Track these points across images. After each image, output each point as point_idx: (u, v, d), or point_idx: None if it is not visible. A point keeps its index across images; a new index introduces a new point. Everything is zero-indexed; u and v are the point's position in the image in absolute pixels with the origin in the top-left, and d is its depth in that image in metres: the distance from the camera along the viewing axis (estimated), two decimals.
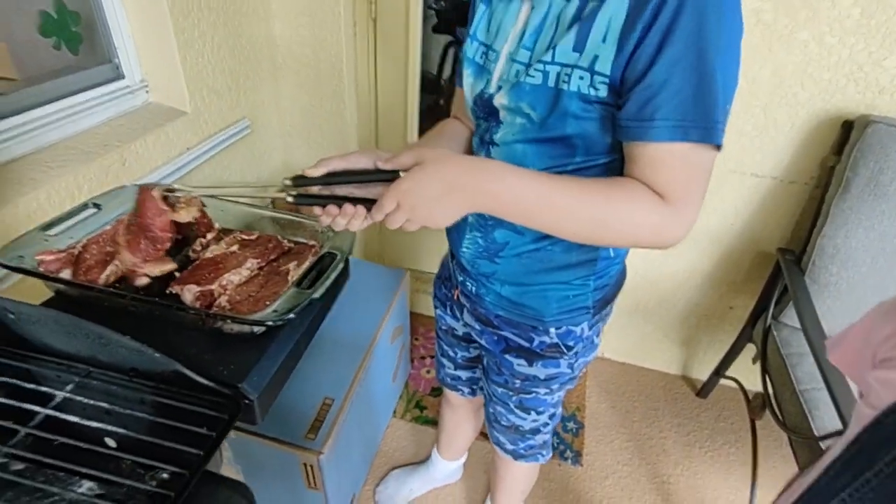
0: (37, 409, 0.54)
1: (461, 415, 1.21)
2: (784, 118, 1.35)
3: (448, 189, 0.57)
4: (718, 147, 0.56)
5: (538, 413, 0.94)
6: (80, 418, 0.54)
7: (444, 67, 2.99)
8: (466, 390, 1.10)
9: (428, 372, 1.77)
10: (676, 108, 0.54)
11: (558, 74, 0.59)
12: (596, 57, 0.56)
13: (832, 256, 1.26)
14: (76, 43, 1.07)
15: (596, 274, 0.77)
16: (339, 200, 0.61)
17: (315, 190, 0.61)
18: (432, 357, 1.83)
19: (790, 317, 1.34)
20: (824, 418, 1.09)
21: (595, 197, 0.59)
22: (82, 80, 1.07)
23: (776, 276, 1.41)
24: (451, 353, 1.06)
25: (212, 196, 0.70)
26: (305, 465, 1.06)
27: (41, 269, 0.66)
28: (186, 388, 0.58)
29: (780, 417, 1.23)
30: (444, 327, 1.03)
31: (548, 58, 0.60)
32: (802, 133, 1.36)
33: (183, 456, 0.52)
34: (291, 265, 0.74)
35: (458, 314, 0.95)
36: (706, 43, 0.52)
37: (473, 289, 0.83)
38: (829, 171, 1.33)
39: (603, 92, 0.57)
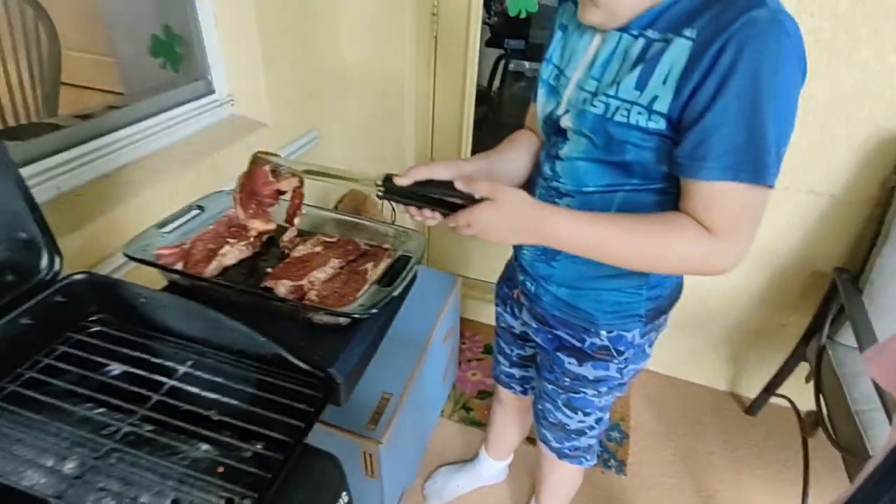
0: (164, 380, 0.64)
1: (511, 414, 1.26)
2: (842, 136, 1.35)
3: (514, 229, 0.67)
4: (770, 187, 0.61)
5: (585, 414, 0.98)
6: (200, 390, 0.63)
7: (494, 80, 3.07)
8: (518, 388, 1.16)
9: (474, 375, 1.83)
10: (728, 151, 0.59)
11: (618, 108, 0.65)
12: (655, 97, 0.62)
13: (891, 277, 1.25)
14: (178, 62, 1.20)
15: (649, 284, 0.81)
16: (421, 202, 0.70)
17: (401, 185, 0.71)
18: (479, 360, 1.88)
19: (845, 336, 1.33)
20: (879, 438, 1.08)
21: (646, 236, 0.65)
22: (180, 95, 1.20)
23: (832, 295, 1.40)
24: (508, 351, 1.12)
25: (308, 173, 0.80)
26: (365, 453, 1.13)
27: (160, 262, 0.76)
28: (284, 369, 0.66)
29: (833, 436, 1.22)
30: (503, 325, 1.09)
31: (612, 91, 0.66)
32: (861, 151, 1.35)
33: (284, 427, 0.60)
34: (369, 265, 0.82)
35: (516, 312, 1.01)
36: (760, 94, 0.57)
37: (532, 289, 0.89)
38: (890, 190, 1.32)
39: (661, 125, 0.63)
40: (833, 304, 1.38)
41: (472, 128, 1.79)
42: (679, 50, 0.60)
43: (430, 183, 0.70)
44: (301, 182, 0.81)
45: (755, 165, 0.59)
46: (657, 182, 0.69)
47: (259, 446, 0.59)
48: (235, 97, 1.33)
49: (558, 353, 0.92)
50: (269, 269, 0.81)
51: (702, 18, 0.59)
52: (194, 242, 0.83)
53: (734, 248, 0.64)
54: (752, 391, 1.77)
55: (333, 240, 0.89)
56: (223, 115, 1.32)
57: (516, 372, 1.14)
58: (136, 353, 0.66)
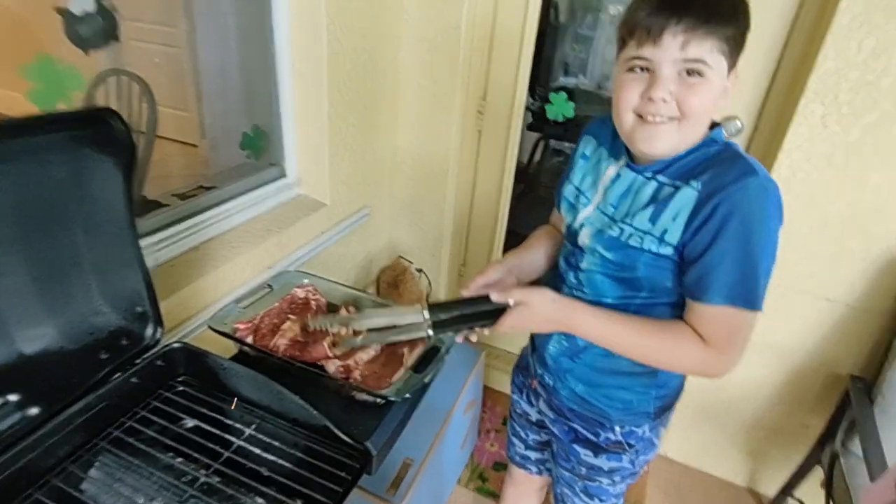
0: (233, 439, 0.78)
1: (523, 492, 1.33)
2: (858, 248, 1.42)
3: (545, 323, 0.82)
4: (759, 311, 0.74)
5: (601, 500, 1.05)
6: (260, 450, 0.77)
7: (534, 157, 3.28)
8: (534, 469, 1.24)
9: (492, 445, 1.90)
10: (725, 284, 0.73)
11: (632, 234, 0.79)
12: (666, 230, 0.76)
13: None
14: (261, 153, 1.42)
15: (657, 384, 0.91)
16: (467, 324, 0.84)
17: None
18: (497, 431, 1.96)
19: (858, 445, 1.36)
20: None
21: (651, 338, 0.79)
22: (258, 180, 1.41)
23: (846, 402, 1.43)
24: (523, 435, 1.20)
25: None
26: None
27: (237, 336, 0.92)
28: (328, 438, 0.79)
29: None
30: (518, 411, 1.18)
31: (628, 220, 0.80)
32: (877, 265, 1.42)
33: (324, 489, 0.73)
34: (406, 349, 0.96)
35: (533, 401, 1.11)
36: (751, 240, 0.71)
37: (551, 382, 0.99)
38: None
39: (669, 251, 0.76)
40: (848, 412, 1.41)
41: (510, 204, 1.95)
42: (687, 196, 0.74)
43: (468, 302, 0.83)
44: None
45: (748, 294, 0.73)
46: (665, 297, 0.82)
47: (300, 503, 0.72)
48: (302, 180, 1.54)
49: (574, 445, 1.00)
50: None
51: (705, 175, 0.73)
52: (262, 318, 0.99)
53: (725, 358, 0.77)
54: (770, 489, 1.77)
55: None
56: (290, 195, 1.52)
57: (532, 454, 1.21)
58: (211, 414, 0.81)
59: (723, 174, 0.72)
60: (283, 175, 1.49)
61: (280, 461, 0.76)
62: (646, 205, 0.78)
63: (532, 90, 2.72)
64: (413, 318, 0.83)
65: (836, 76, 1.28)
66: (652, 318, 0.81)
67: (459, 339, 0.87)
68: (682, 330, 0.77)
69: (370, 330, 0.87)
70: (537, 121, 2.92)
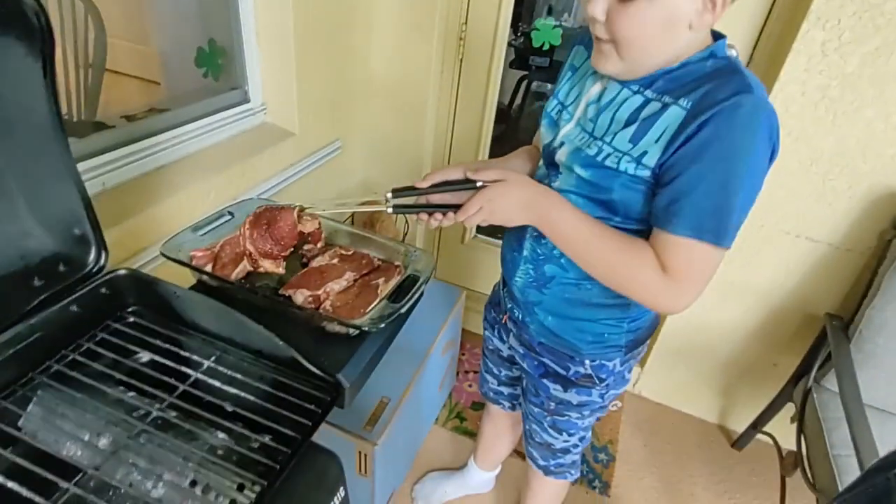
0: (190, 372, 0.71)
1: (500, 427, 1.32)
2: (843, 187, 1.40)
3: (522, 206, 0.75)
4: (726, 248, 0.68)
5: (569, 434, 1.04)
6: (220, 383, 0.71)
7: (516, 99, 3.15)
8: (507, 404, 1.22)
9: (470, 386, 1.89)
10: (694, 213, 0.66)
11: (609, 154, 0.72)
12: (645, 152, 0.69)
13: (880, 328, 1.30)
14: (219, 72, 1.29)
15: (629, 317, 0.88)
16: (429, 208, 0.79)
17: (410, 202, 0.80)
18: (475, 372, 1.95)
19: (831, 381, 1.37)
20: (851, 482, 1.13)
21: (614, 245, 0.73)
22: (218, 103, 1.29)
23: (821, 340, 1.44)
24: (496, 371, 1.18)
25: (329, 215, 0.87)
26: (360, 452, 1.20)
27: (193, 263, 0.84)
28: (296, 371, 0.73)
29: (810, 478, 1.27)
30: (490, 347, 1.15)
31: (607, 139, 0.73)
32: (862, 204, 1.40)
33: (292, 423, 0.67)
34: (381, 280, 0.89)
35: (504, 337, 1.07)
36: (731, 168, 0.64)
37: (520, 316, 0.95)
38: (887, 243, 1.37)
39: (646, 174, 0.70)
40: (822, 349, 1.42)
41: (490, 145, 1.87)
42: (674, 116, 0.66)
43: (444, 184, 0.78)
44: (320, 223, 0.88)
45: (717, 230, 0.67)
46: (636, 224, 0.76)
47: (268, 438, 0.66)
48: (268, 106, 1.42)
49: (543, 380, 0.98)
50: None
51: (698, 91, 0.65)
52: (223, 246, 0.90)
53: (680, 295, 0.71)
54: (739, 426, 1.82)
55: (349, 253, 0.97)
56: (255, 122, 1.40)
57: (504, 390, 1.20)
58: (166, 345, 0.74)
59: (714, 91, 0.64)
60: (245, 100, 1.36)
61: (244, 395, 0.70)
62: (627, 123, 0.71)
63: (515, 28, 2.57)
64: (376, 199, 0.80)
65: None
66: (621, 234, 0.74)
67: (429, 221, 0.80)
68: (645, 252, 0.71)
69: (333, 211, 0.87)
70: (519, 58, 2.79)
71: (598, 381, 0.94)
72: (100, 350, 0.73)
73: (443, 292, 1.64)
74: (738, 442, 1.79)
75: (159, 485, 0.60)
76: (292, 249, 0.87)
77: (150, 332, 0.76)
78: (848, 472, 1.16)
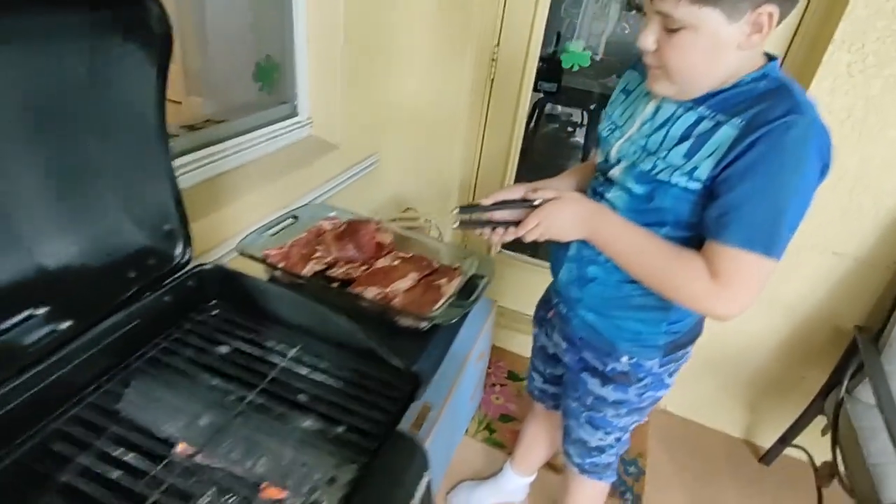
0: (277, 360, 0.74)
1: (542, 427, 1.35)
2: (869, 204, 1.44)
3: (576, 222, 0.81)
4: (776, 260, 0.71)
5: (605, 433, 1.06)
6: (306, 372, 0.74)
7: (531, 121, 3.25)
8: (551, 403, 1.25)
9: (497, 399, 1.90)
10: (746, 225, 0.70)
11: (664, 169, 0.77)
12: (697, 167, 0.73)
13: None
14: (272, 87, 1.35)
15: (668, 320, 0.91)
16: (492, 224, 0.84)
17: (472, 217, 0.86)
18: (502, 386, 1.96)
19: (863, 393, 1.40)
20: (892, 489, 1.14)
21: (664, 255, 0.77)
22: (270, 115, 1.34)
23: (851, 352, 1.47)
24: (541, 369, 1.21)
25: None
26: None
27: (269, 261, 0.88)
28: (374, 362, 0.76)
29: (849, 487, 1.28)
30: (538, 345, 1.19)
31: (662, 154, 0.77)
32: (886, 220, 1.45)
33: (377, 411, 0.70)
34: (443, 281, 0.93)
35: (550, 333, 1.11)
36: (782, 184, 0.68)
37: (564, 311, 1.00)
38: None
39: (697, 187, 0.74)
40: (852, 361, 1.45)
41: (517, 163, 1.92)
42: (726, 134, 0.71)
43: (505, 203, 0.84)
44: (393, 235, 0.94)
45: (766, 242, 0.70)
46: (685, 231, 0.80)
47: (354, 424, 0.69)
48: (314, 120, 1.47)
49: (582, 374, 1.01)
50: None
51: (751, 111, 0.70)
52: (292, 246, 0.95)
53: (731, 300, 0.74)
54: (766, 441, 1.82)
55: (408, 256, 1.01)
56: (302, 135, 1.46)
57: (549, 388, 1.23)
58: (250, 335, 0.77)
59: (767, 111, 0.68)
60: (294, 113, 1.42)
61: (328, 383, 0.73)
62: (682, 139, 0.76)
63: None
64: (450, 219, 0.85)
65: (865, 23, 1.27)
66: (670, 244, 0.78)
67: (491, 236, 0.85)
68: (695, 260, 0.75)
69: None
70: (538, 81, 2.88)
71: (634, 380, 0.96)
72: (188, 339, 0.76)
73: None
74: (766, 457, 1.80)
75: (260, 461, 0.63)
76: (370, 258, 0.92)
77: (234, 323, 0.79)
78: (888, 479, 1.18)
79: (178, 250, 0.80)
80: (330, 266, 0.92)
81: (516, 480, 1.50)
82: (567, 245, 0.93)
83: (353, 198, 1.64)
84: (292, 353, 0.76)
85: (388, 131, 1.75)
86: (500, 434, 1.77)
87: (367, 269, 0.95)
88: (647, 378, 0.96)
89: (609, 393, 0.99)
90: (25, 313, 0.64)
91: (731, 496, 1.68)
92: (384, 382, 0.74)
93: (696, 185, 0.74)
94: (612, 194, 0.85)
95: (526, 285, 1.95)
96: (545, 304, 1.14)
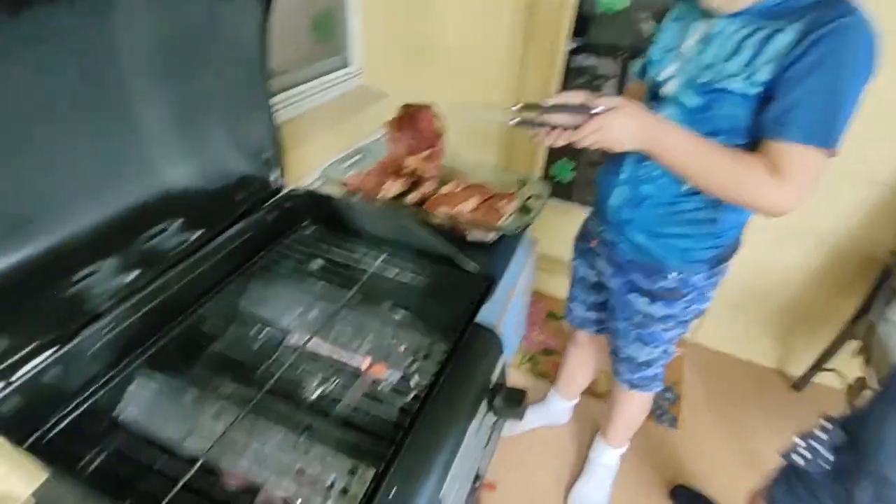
0: (366, 265, 0.86)
1: (585, 353, 1.45)
2: None
3: (633, 130, 0.83)
4: (833, 153, 0.78)
5: (653, 347, 1.15)
6: (393, 275, 0.85)
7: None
8: (594, 328, 1.35)
9: (539, 335, 2.02)
10: (806, 122, 0.76)
11: (723, 78, 0.82)
12: (756, 71, 0.79)
13: None
14: (329, 39, 1.43)
15: (714, 234, 0.98)
16: (548, 125, 0.86)
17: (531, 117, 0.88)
18: (542, 324, 2.08)
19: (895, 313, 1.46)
20: None
21: (724, 157, 0.82)
22: (326, 67, 1.43)
23: (885, 277, 1.53)
24: (583, 298, 1.31)
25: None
26: None
27: (352, 187, 0.98)
28: (450, 268, 0.87)
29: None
30: (578, 276, 1.28)
31: (719, 66, 0.83)
32: None
33: (458, 305, 0.81)
34: (501, 203, 1.03)
35: (592, 262, 1.19)
36: (838, 82, 0.74)
37: (611, 237, 1.07)
38: None
39: (755, 91, 0.80)
40: (885, 286, 1.51)
41: None
42: (784, 40, 0.77)
43: (563, 105, 0.86)
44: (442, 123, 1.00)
45: (827, 135, 0.77)
46: (738, 138, 0.86)
47: (439, 317, 0.81)
48: (364, 70, 1.56)
49: (629, 296, 1.09)
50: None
51: (806, 17, 0.76)
52: (364, 178, 1.05)
53: (791, 194, 0.79)
54: (796, 369, 1.91)
55: (468, 184, 1.10)
56: (353, 85, 1.54)
57: (590, 315, 1.32)
58: (341, 247, 0.89)
59: (821, 16, 0.74)
60: (345, 64, 1.51)
61: (412, 284, 0.85)
62: (739, 49, 0.81)
63: None
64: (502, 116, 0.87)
65: None
66: (729, 148, 0.83)
67: (546, 136, 0.87)
68: (754, 160, 0.81)
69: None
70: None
71: (681, 295, 1.05)
72: (290, 251, 0.88)
73: (521, 240, 1.76)
74: (799, 384, 1.88)
75: (365, 343, 0.75)
76: (430, 146, 1.01)
77: (327, 237, 0.91)
78: None
79: (275, 176, 0.92)
80: (403, 193, 1.02)
81: (560, 404, 1.62)
82: (618, 169, 1.00)
83: None
84: (380, 259, 0.87)
85: (433, 80, 1.82)
86: (543, 366, 1.89)
87: (435, 192, 1.05)
88: (693, 292, 1.04)
89: (657, 309, 1.07)
90: (162, 224, 0.77)
91: (761, 417, 1.78)
92: (460, 284, 0.85)
93: (754, 91, 0.80)
94: (664, 111, 0.91)
95: (561, 230, 2.03)
96: (585, 235, 1.20)
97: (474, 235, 0.93)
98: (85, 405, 0.62)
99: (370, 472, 0.57)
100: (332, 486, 0.56)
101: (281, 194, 0.91)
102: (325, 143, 1.31)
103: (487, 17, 1.75)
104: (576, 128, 0.85)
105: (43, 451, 0.55)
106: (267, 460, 0.58)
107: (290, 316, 0.78)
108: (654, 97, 0.95)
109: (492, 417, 0.76)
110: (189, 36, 0.74)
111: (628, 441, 1.45)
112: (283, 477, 0.57)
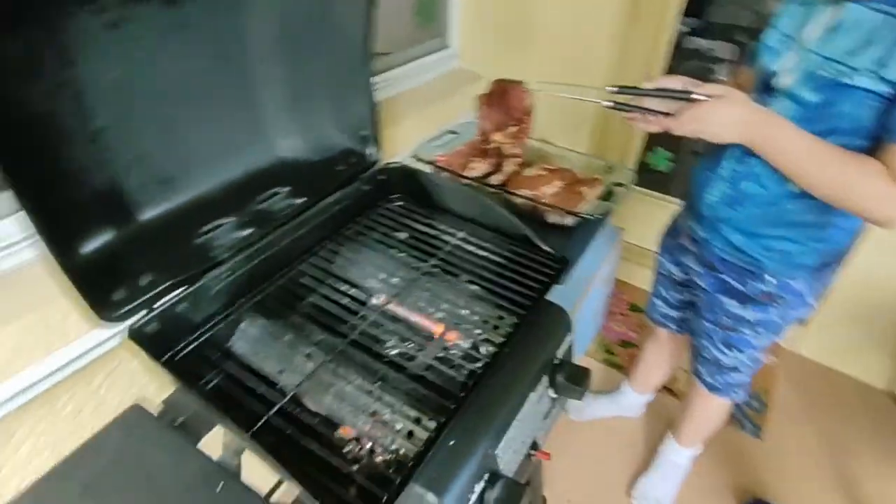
0: (448, 239, 0.92)
1: (664, 351, 1.42)
2: None
3: (737, 123, 0.78)
4: None
5: (740, 351, 1.08)
6: (472, 249, 0.90)
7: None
8: (674, 327, 1.31)
9: (619, 326, 1.99)
10: None
11: (848, 72, 0.75)
12: (886, 66, 0.72)
13: None
14: (430, 22, 1.49)
15: (824, 240, 0.90)
16: (643, 110, 0.84)
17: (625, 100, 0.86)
18: (623, 315, 2.04)
19: None
20: None
21: (838, 158, 0.75)
22: (425, 49, 1.50)
23: None
24: (666, 295, 1.27)
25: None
26: None
27: (439, 165, 1.05)
28: (526, 247, 0.90)
29: None
30: (663, 272, 1.24)
31: (845, 58, 0.76)
32: None
33: (531, 282, 0.84)
34: (584, 188, 1.04)
35: (679, 259, 1.15)
36: None
37: (704, 235, 1.01)
38: None
39: (885, 89, 0.73)
40: None
41: None
42: None
43: (663, 90, 0.82)
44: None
45: None
46: (859, 139, 0.78)
47: (514, 291, 0.84)
48: (461, 52, 1.60)
49: (720, 295, 1.03)
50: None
51: None
52: (455, 154, 1.11)
53: None
54: None
55: (552, 167, 1.12)
56: (451, 66, 1.60)
57: (673, 313, 1.28)
58: (426, 220, 0.96)
59: None
60: (444, 46, 1.56)
61: (489, 259, 0.89)
62: (869, 41, 0.74)
63: None
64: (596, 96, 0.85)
65: None
66: (844, 149, 0.76)
67: (640, 121, 0.85)
68: (872, 164, 0.74)
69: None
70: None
71: (777, 300, 0.98)
72: (380, 220, 0.97)
73: (605, 230, 1.74)
74: None
75: (442, 306, 0.81)
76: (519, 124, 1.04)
77: (414, 210, 0.98)
78: None
79: (371, 151, 1.00)
80: (489, 173, 1.07)
81: (633, 397, 1.60)
82: (717, 163, 0.94)
83: None
84: (461, 234, 0.92)
85: (529, 62, 1.82)
86: (620, 357, 1.86)
87: (519, 170, 1.08)
88: (791, 297, 0.96)
89: (749, 313, 1.01)
90: (274, 189, 0.88)
91: (864, 440, 1.63)
92: (535, 263, 0.88)
93: (884, 88, 0.72)
94: (776, 105, 0.84)
95: (651, 221, 1.96)
96: (674, 231, 1.16)
97: (554, 218, 0.96)
98: (206, 335, 0.74)
99: (433, 424, 0.63)
100: (399, 430, 0.64)
101: (375, 168, 0.99)
102: (419, 122, 1.39)
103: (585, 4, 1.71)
104: (674, 114, 0.81)
105: (173, 368, 0.68)
106: (346, 399, 0.67)
107: (375, 279, 0.86)
108: (765, 88, 0.88)
109: (553, 393, 0.80)
110: (304, 23, 0.83)
111: (701, 443, 1.40)
112: (358, 415, 0.65)
